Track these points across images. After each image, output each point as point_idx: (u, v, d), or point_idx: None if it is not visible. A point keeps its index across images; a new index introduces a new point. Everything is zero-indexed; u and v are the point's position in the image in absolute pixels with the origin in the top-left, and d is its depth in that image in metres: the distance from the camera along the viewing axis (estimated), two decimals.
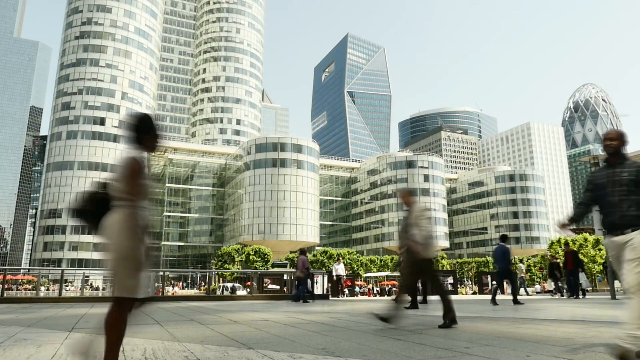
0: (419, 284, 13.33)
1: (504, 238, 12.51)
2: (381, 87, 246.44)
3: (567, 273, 17.05)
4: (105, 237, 2.64)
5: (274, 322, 6.36)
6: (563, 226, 3.86)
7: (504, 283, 18.67)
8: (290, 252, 59.53)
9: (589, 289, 22.54)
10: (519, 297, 12.95)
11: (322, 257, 56.17)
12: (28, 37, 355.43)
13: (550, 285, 23.25)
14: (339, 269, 20.06)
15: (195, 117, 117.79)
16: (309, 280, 15.04)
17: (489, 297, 13.12)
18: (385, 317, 5.53)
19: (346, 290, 24.79)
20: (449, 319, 5.48)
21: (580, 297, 16.87)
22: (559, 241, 47.67)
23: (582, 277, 17.13)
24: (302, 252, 14.81)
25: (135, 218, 2.62)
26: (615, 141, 3.57)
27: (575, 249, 31.07)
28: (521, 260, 46.07)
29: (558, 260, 20.73)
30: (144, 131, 2.78)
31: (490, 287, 30.70)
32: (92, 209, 2.78)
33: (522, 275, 23.00)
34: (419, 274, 6.05)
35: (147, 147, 2.78)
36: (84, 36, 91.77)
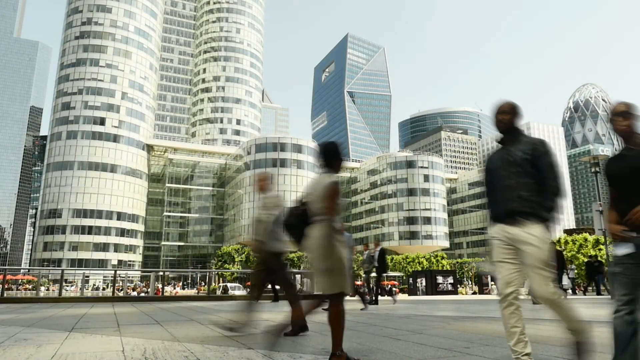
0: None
1: None
2: (381, 87, 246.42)
3: None
4: (311, 246, 3.14)
5: (274, 322, 6.35)
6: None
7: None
8: (291, 252, 59.54)
9: (569, 289, 22.32)
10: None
11: None
12: (28, 37, 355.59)
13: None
14: None
15: (195, 117, 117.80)
16: (308, 280, 15.09)
17: (489, 297, 13.14)
18: (231, 327, 4.93)
19: None
20: (298, 325, 4.75)
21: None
22: (559, 241, 47.69)
23: (564, 279, 17.05)
24: None
25: (335, 231, 3.13)
26: (507, 115, 3.04)
27: (560, 249, 30.82)
28: None
29: None
30: (334, 157, 3.30)
31: (489, 287, 30.70)
32: (295, 223, 3.29)
33: None
34: (268, 271, 5.07)
35: (335, 170, 3.30)
36: (84, 36, 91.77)
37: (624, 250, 2.52)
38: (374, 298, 13.54)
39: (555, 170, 2.88)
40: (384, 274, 13.89)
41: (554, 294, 2.83)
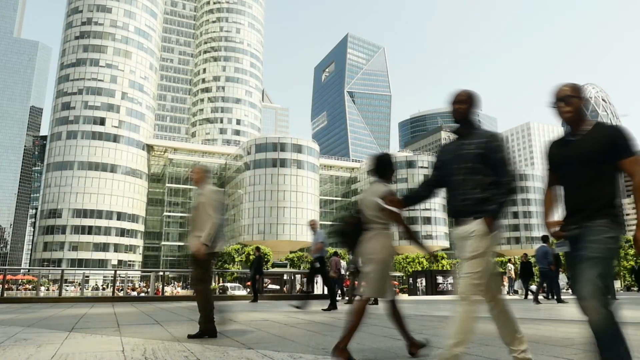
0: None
1: (545, 239, 12.51)
2: (381, 87, 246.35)
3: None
4: (366, 252, 3.31)
5: (274, 322, 6.35)
6: (392, 203, 3.19)
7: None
8: (290, 252, 59.59)
9: (563, 290, 21.93)
10: (510, 297, 12.93)
11: None
12: (28, 37, 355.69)
13: (519, 285, 21.82)
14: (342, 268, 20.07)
15: (195, 117, 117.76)
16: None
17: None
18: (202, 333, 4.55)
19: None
20: (205, 328, 4.54)
21: (550, 298, 15.54)
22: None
23: (562, 278, 16.77)
24: (336, 253, 15.14)
25: (390, 238, 3.33)
26: (464, 104, 2.83)
27: (526, 260, 30.34)
28: (510, 260, 46.10)
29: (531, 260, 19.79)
30: (387, 167, 3.49)
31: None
32: (350, 231, 3.46)
33: (511, 275, 22.86)
34: (203, 270, 4.72)
35: (387, 180, 3.48)
36: (84, 36, 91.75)
37: (562, 249, 2.46)
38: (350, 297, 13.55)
39: (507, 166, 2.70)
40: None
41: (466, 294, 2.60)
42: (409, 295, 31.49)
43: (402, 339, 3.66)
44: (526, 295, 16.81)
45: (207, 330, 4.52)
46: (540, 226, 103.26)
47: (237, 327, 5.62)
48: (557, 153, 2.51)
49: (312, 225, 9.88)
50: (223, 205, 4.77)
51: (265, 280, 22.04)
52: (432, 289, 28.59)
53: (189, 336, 4.49)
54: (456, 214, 2.81)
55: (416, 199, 3.11)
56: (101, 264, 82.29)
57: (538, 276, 14.95)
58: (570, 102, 2.42)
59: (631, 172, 2.30)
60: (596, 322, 2.14)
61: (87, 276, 19.17)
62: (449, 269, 59.98)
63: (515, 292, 19.50)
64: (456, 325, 2.61)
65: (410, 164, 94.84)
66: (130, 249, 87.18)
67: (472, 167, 2.72)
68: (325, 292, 18.36)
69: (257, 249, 15.01)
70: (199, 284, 4.68)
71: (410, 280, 33.68)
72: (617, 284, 42.33)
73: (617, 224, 2.32)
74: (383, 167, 3.48)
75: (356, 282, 13.74)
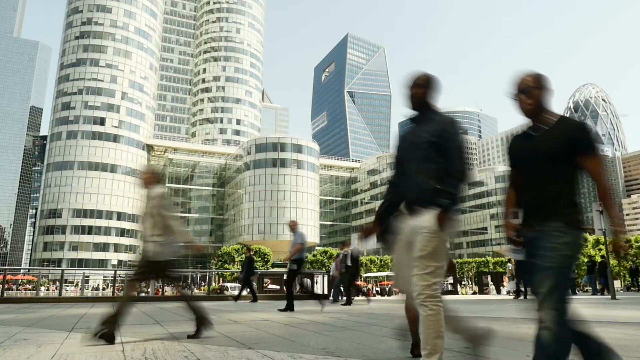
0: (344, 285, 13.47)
1: None
2: (381, 87, 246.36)
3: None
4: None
5: (274, 322, 6.35)
6: (366, 235, 2.93)
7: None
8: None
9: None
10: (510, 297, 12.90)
11: (322, 257, 56.20)
12: (28, 37, 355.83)
13: (511, 285, 21.64)
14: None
15: (195, 117, 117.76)
16: (308, 280, 15.10)
17: (489, 297, 13.10)
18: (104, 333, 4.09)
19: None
20: (200, 323, 4.55)
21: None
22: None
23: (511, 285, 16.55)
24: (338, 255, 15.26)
25: None
26: (421, 88, 2.68)
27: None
28: (510, 261, 46.24)
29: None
30: None
31: (489, 287, 30.66)
32: (387, 230, 3.37)
33: (510, 275, 22.91)
34: (147, 275, 4.55)
35: None
36: (84, 36, 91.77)
37: (517, 256, 2.34)
38: (342, 298, 13.49)
39: (461, 154, 2.56)
40: (359, 275, 13.64)
41: (424, 296, 2.47)
42: None
43: (400, 339, 3.65)
44: (525, 295, 16.77)
45: (202, 323, 4.53)
46: None
47: (237, 327, 5.62)
48: (517, 148, 2.33)
49: (292, 226, 9.58)
50: (171, 208, 4.63)
51: (265, 280, 22.01)
52: None
53: (189, 336, 4.48)
54: (410, 204, 2.66)
55: (391, 210, 2.87)
56: (101, 264, 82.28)
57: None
58: (532, 94, 2.24)
59: (594, 174, 2.15)
60: (545, 336, 2.03)
61: (87, 276, 19.17)
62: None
63: (509, 292, 19.34)
64: (424, 334, 2.47)
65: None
66: (130, 249, 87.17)
67: (427, 156, 2.58)
68: (321, 292, 18.38)
69: (248, 249, 14.75)
70: (177, 286, 4.70)
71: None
72: (617, 284, 42.28)
73: (573, 226, 2.13)
74: None
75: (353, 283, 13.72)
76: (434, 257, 2.50)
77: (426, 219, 2.52)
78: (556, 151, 2.16)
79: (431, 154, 2.57)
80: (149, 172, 4.73)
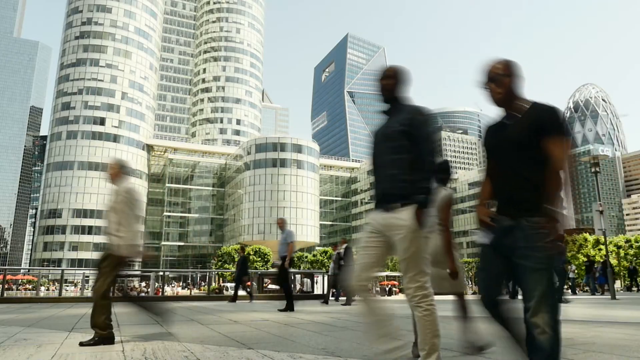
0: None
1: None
2: None
3: None
4: (432, 252, 3.34)
5: (274, 322, 6.35)
6: None
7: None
8: None
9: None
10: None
11: (322, 257, 56.17)
12: (28, 37, 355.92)
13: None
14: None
15: (195, 117, 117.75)
16: (308, 280, 15.07)
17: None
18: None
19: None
20: (100, 336, 4.08)
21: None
22: None
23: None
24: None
25: (452, 237, 3.53)
26: (391, 79, 2.64)
27: None
28: None
29: None
30: (448, 173, 3.73)
31: None
32: None
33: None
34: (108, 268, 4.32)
35: (445, 184, 3.67)
36: (84, 36, 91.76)
37: (483, 240, 2.19)
38: (332, 297, 13.43)
39: (429, 143, 2.49)
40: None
41: (418, 297, 2.45)
42: None
43: (400, 339, 3.64)
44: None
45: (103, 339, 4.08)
46: None
47: (237, 327, 5.62)
48: (491, 138, 2.25)
49: (280, 223, 9.39)
50: (139, 203, 4.47)
51: (265, 280, 22.02)
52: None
53: (81, 343, 4.01)
54: (382, 199, 2.56)
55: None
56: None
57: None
58: (502, 82, 2.16)
59: (554, 157, 2.03)
60: (542, 340, 1.98)
61: (87, 276, 19.11)
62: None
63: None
64: (421, 334, 2.46)
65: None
66: None
67: (399, 146, 2.51)
68: (320, 292, 18.38)
69: (242, 248, 14.61)
70: (106, 281, 4.38)
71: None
72: (618, 284, 42.22)
73: (555, 222, 2.03)
74: (446, 172, 3.72)
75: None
76: (419, 257, 2.46)
77: (404, 217, 2.44)
78: (528, 138, 2.07)
79: (403, 143, 2.51)
80: (116, 166, 4.55)
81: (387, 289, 43.49)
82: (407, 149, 2.49)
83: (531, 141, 2.06)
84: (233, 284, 14.13)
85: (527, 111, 2.12)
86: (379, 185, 2.61)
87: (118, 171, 4.51)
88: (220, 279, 43.77)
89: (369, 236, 2.58)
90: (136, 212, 4.38)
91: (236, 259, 55.86)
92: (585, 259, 30.13)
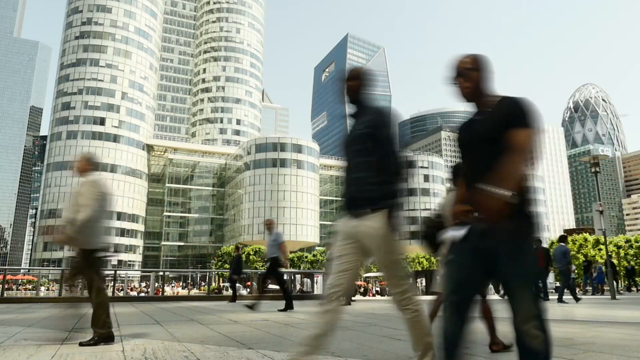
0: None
1: (563, 238, 12.61)
2: (381, 87, 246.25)
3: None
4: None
5: (274, 322, 6.35)
6: None
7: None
8: (290, 252, 59.44)
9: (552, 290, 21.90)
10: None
11: (322, 257, 56.17)
12: (28, 37, 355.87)
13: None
14: None
15: (195, 117, 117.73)
16: (308, 280, 15.07)
17: (489, 297, 13.06)
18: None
19: None
20: (99, 335, 4.09)
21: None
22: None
23: (550, 277, 16.78)
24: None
25: None
26: (356, 81, 2.62)
27: (546, 247, 30.60)
28: None
29: None
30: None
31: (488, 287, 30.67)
32: (433, 233, 3.78)
33: None
34: (86, 269, 4.36)
35: (455, 183, 3.75)
36: (84, 36, 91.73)
37: (458, 233, 2.06)
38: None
39: (392, 144, 2.45)
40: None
41: (405, 300, 2.48)
42: None
43: (400, 339, 3.65)
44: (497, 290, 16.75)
45: (105, 338, 4.11)
46: (549, 226, 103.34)
47: (237, 327, 5.62)
48: (462, 136, 2.15)
49: (269, 224, 9.36)
50: (105, 197, 4.39)
51: (266, 280, 21.94)
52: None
53: (81, 343, 4.01)
54: (351, 203, 2.50)
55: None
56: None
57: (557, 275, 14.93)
58: (470, 76, 2.09)
59: (517, 144, 1.90)
60: (536, 345, 1.90)
61: None
62: None
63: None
64: (414, 335, 2.48)
65: (410, 164, 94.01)
66: (130, 249, 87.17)
67: (364, 149, 2.47)
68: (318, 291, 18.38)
69: (237, 248, 14.59)
70: (93, 282, 4.35)
71: (410, 281, 33.63)
72: (618, 284, 42.21)
73: (533, 223, 1.95)
74: (458, 176, 3.73)
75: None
76: (397, 262, 2.47)
77: (375, 224, 2.39)
78: (497, 132, 1.97)
79: (367, 145, 2.47)
80: (83, 159, 4.52)
81: (387, 289, 43.39)
82: (371, 151, 2.46)
83: (501, 135, 1.96)
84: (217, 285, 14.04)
85: (496, 105, 2.05)
86: (347, 188, 2.55)
87: (86, 164, 4.50)
88: (220, 279, 43.79)
89: (342, 244, 2.52)
90: (103, 205, 4.32)
91: None
92: (582, 259, 30.13)
